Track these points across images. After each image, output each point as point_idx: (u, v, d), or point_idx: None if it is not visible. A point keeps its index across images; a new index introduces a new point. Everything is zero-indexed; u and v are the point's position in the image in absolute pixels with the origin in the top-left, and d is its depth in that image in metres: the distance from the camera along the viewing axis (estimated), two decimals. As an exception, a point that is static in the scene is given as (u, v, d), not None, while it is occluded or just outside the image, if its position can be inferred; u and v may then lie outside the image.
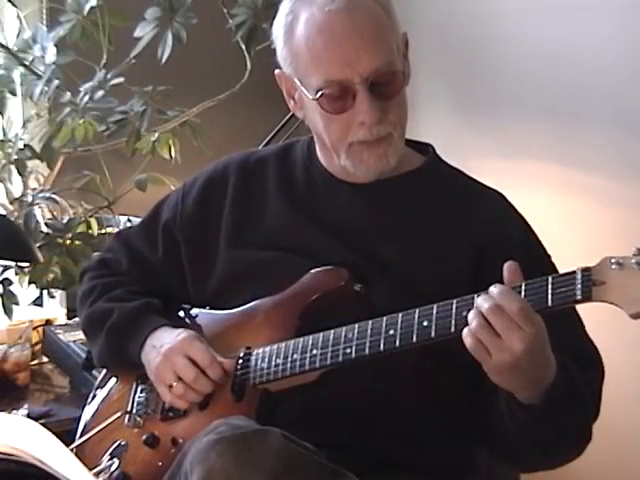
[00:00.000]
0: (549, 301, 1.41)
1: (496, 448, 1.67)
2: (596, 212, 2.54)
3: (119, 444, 1.74)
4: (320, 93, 1.63)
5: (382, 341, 1.53)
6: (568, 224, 2.58)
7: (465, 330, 1.44)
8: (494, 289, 1.43)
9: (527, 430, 1.53)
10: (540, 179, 2.65)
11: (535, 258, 1.66)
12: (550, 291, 1.41)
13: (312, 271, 1.68)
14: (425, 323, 1.51)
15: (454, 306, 1.49)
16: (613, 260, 1.37)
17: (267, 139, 2.83)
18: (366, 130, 1.63)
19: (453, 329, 1.48)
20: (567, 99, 2.56)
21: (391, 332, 1.53)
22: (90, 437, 1.79)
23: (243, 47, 2.73)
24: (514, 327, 1.41)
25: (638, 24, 2.38)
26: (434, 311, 1.50)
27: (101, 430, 1.78)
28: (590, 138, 2.52)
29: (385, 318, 1.54)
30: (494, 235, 1.68)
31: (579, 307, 1.47)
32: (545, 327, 1.44)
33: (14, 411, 2.24)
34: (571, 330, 1.66)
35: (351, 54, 1.60)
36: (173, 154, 2.72)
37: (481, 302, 1.44)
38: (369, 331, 1.55)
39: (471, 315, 1.44)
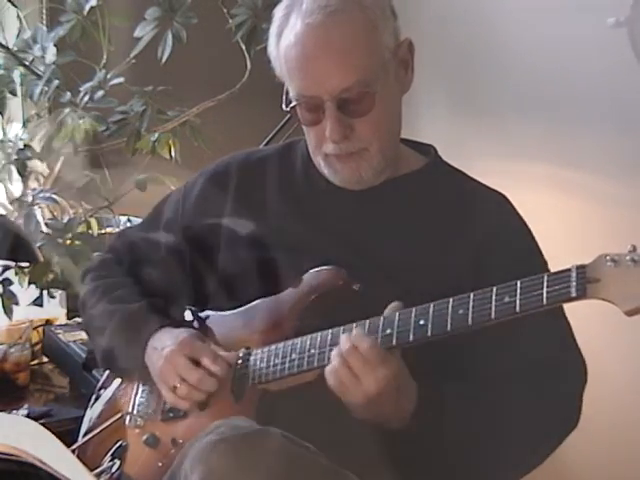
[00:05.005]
0: (544, 299, 1.41)
1: None
2: (596, 212, 2.54)
3: (120, 445, 1.74)
4: (294, 104, 1.65)
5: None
6: (567, 224, 2.58)
7: (328, 367, 1.52)
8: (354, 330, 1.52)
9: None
10: (540, 179, 2.64)
11: (530, 264, 1.64)
12: (545, 289, 1.41)
13: (311, 271, 1.68)
14: (422, 322, 1.51)
15: (450, 305, 1.49)
16: (608, 257, 1.37)
17: (267, 139, 2.82)
18: (334, 145, 1.64)
19: (449, 328, 1.48)
20: (567, 100, 2.56)
21: (388, 331, 1.53)
22: (91, 438, 1.79)
23: (243, 47, 2.73)
24: (368, 369, 1.49)
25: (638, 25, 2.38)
26: (431, 310, 1.50)
27: (102, 431, 1.78)
28: (590, 139, 2.51)
29: (382, 317, 1.55)
30: (493, 238, 1.68)
31: (574, 307, 1.47)
32: (400, 367, 1.51)
33: (14, 411, 2.24)
34: (556, 339, 1.67)
35: (321, 72, 1.60)
36: (173, 154, 2.72)
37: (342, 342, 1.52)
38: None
39: (334, 353, 1.52)
